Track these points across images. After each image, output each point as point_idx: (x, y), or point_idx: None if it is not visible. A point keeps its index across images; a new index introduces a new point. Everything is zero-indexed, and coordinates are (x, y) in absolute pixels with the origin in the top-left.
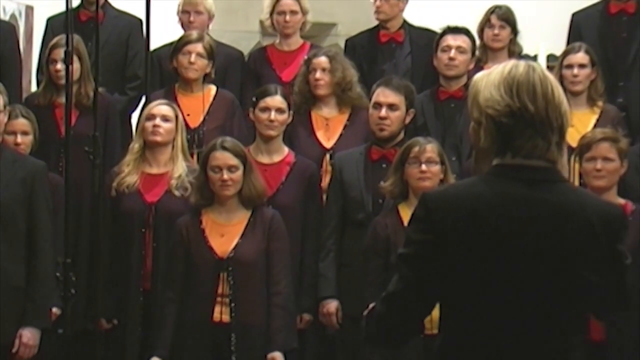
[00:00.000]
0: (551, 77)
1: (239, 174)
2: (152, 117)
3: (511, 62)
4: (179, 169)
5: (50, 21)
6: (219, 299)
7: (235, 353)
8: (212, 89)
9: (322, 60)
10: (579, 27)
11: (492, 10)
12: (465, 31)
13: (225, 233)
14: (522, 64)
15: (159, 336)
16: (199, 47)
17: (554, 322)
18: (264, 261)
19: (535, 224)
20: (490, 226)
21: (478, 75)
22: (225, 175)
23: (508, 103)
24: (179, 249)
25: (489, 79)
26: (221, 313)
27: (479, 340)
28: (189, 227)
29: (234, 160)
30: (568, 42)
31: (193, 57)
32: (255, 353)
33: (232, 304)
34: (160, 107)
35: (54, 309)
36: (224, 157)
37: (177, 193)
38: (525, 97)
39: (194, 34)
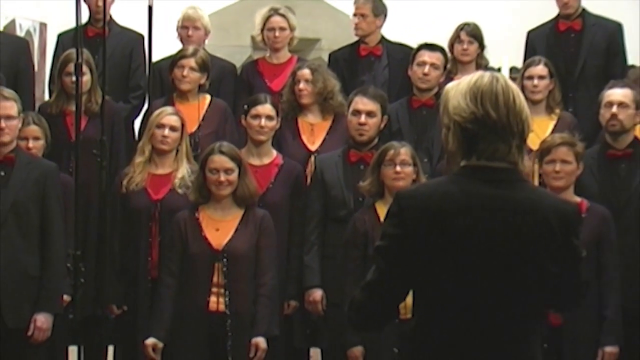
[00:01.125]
0: (514, 87)
1: (234, 175)
2: (161, 126)
3: (478, 74)
4: (182, 170)
5: (61, 37)
6: (214, 289)
7: (231, 339)
8: (207, 97)
9: (305, 72)
10: (534, 43)
11: (462, 27)
12: (440, 49)
13: (220, 227)
14: (487, 75)
15: (156, 319)
16: (191, 62)
17: (515, 307)
18: (254, 255)
19: (497, 219)
20: (456, 221)
21: (449, 85)
22: (222, 177)
23: (473, 110)
24: (177, 240)
25: (458, 89)
26: (217, 303)
27: (448, 324)
28: (187, 221)
29: (230, 164)
30: (525, 57)
31: (186, 71)
32: (247, 339)
33: (227, 292)
34: (170, 118)
35: (65, 296)
36: (221, 161)
37: (180, 191)
38: (489, 105)
39: (189, 49)
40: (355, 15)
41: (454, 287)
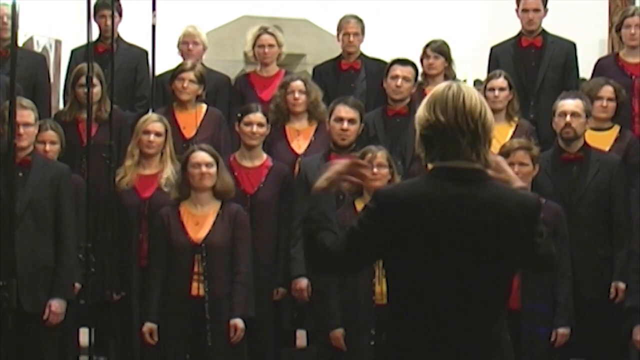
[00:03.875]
0: (468, 92)
1: (213, 170)
2: (147, 132)
3: (438, 85)
4: (167, 171)
5: (74, 52)
6: (195, 276)
7: (209, 320)
8: (203, 106)
9: (299, 84)
10: (497, 58)
11: (428, 44)
12: (411, 63)
13: (199, 222)
14: (444, 84)
15: (149, 305)
16: (190, 75)
17: (483, 294)
18: (229, 246)
19: (466, 214)
20: (429, 218)
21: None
22: (204, 169)
23: (427, 118)
24: (161, 234)
25: (424, 101)
26: (198, 289)
27: (420, 311)
28: (169, 217)
29: (209, 159)
30: (488, 70)
31: (185, 83)
32: (224, 319)
33: (206, 281)
34: (155, 125)
35: (77, 284)
36: (202, 156)
37: (166, 189)
38: (438, 111)
39: (188, 63)
40: (348, 34)
41: (426, 277)
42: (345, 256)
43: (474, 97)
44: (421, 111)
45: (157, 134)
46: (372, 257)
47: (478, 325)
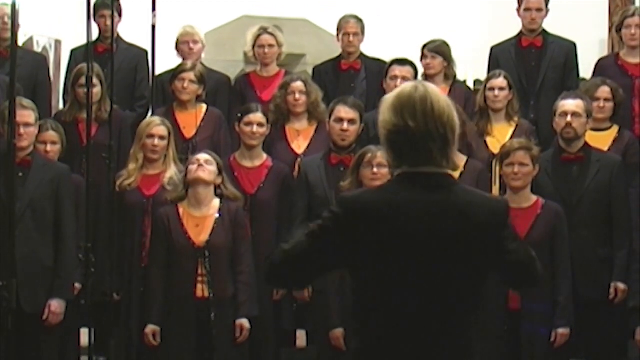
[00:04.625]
0: (434, 93)
1: (213, 168)
2: (151, 136)
3: (403, 86)
4: (170, 171)
5: (74, 52)
6: (199, 278)
7: (214, 321)
8: (203, 107)
9: (300, 84)
10: (497, 58)
11: (426, 45)
12: (410, 63)
13: (199, 224)
14: (410, 85)
15: (151, 307)
16: (190, 75)
17: (452, 302)
18: (231, 246)
19: (434, 220)
20: (396, 224)
21: (384, 98)
22: (202, 163)
23: (395, 123)
24: (162, 234)
25: (386, 103)
26: (202, 290)
27: (388, 317)
28: (169, 217)
29: (210, 158)
30: (488, 70)
31: (185, 83)
32: (229, 320)
33: (210, 283)
34: (158, 128)
35: (76, 284)
36: (203, 155)
37: (169, 188)
38: (407, 116)
39: (188, 64)
40: (348, 34)
41: (394, 284)
42: (299, 258)
43: (441, 99)
44: (387, 115)
45: (161, 138)
46: (329, 264)
47: (447, 333)
